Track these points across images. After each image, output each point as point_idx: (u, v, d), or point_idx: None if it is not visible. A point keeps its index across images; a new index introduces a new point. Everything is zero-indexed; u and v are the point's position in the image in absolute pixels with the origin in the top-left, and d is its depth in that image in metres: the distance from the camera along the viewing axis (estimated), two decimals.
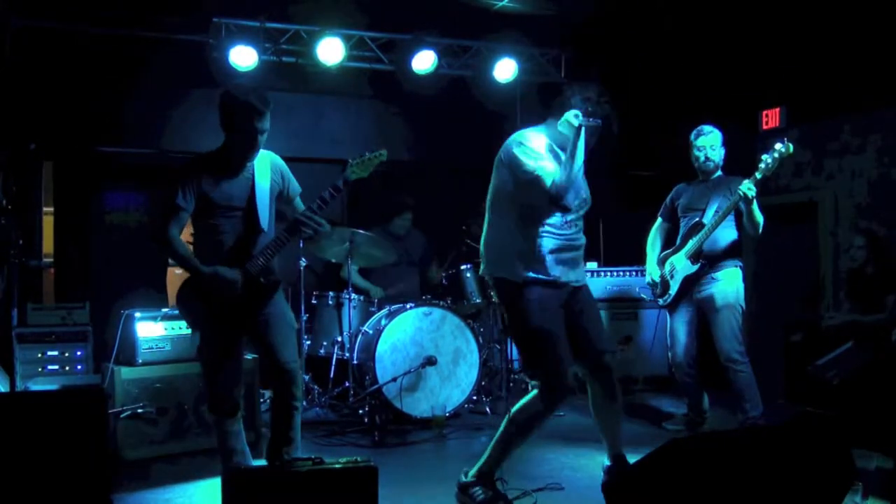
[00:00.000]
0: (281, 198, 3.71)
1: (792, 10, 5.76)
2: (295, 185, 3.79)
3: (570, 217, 3.49)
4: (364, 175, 3.66)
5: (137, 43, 5.98)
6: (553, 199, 3.34)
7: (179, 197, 3.44)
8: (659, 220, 5.12)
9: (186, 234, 3.60)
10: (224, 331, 3.52)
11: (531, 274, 3.42)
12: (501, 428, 3.56)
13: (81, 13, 5.71)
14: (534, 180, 3.34)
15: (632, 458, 2.42)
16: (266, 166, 3.64)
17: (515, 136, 3.52)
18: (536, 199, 3.39)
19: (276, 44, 6.21)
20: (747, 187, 4.39)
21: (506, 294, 3.52)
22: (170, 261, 6.73)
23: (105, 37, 5.91)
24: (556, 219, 3.46)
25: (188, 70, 6.25)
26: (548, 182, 3.32)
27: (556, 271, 3.44)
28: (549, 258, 3.44)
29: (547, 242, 3.44)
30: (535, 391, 3.53)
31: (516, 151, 3.43)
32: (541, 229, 3.44)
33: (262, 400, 4.91)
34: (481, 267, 3.64)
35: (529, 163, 3.37)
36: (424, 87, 6.67)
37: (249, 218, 3.54)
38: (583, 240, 3.59)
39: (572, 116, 3.41)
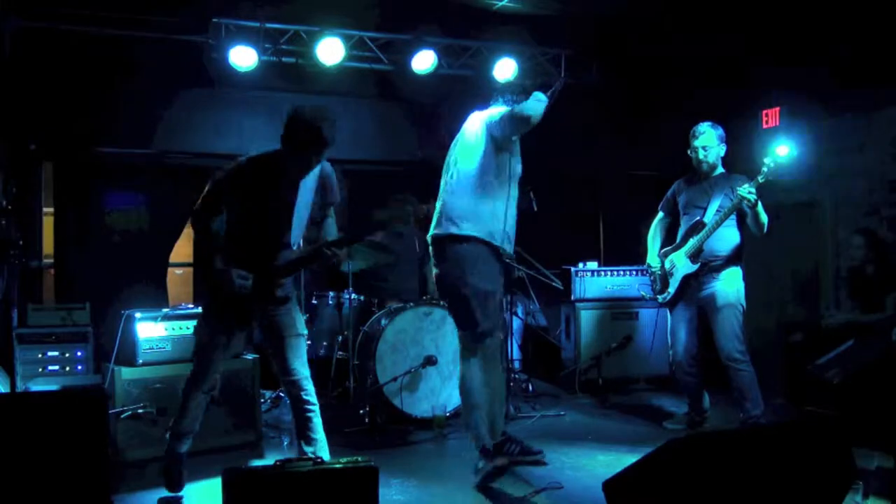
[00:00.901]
0: (316, 205, 3.71)
1: (792, 9, 5.76)
2: (335, 195, 3.78)
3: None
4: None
5: (137, 43, 5.98)
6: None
7: (225, 194, 3.51)
8: (660, 213, 5.13)
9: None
10: (225, 327, 3.61)
11: (495, 242, 3.85)
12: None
13: (81, 14, 5.71)
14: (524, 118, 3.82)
15: (632, 458, 2.42)
16: (313, 176, 3.63)
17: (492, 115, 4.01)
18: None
19: (275, 44, 6.21)
20: (748, 192, 4.40)
21: (472, 252, 3.86)
22: (170, 261, 6.76)
23: (105, 37, 5.91)
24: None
25: (188, 70, 6.25)
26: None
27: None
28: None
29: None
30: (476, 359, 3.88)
31: (497, 114, 3.94)
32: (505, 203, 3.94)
33: (262, 400, 4.91)
34: (444, 226, 3.93)
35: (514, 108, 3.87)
36: (424, 87, 6.67)
37: (281, 230, 3.56)
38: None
39: (541, 95, 3.94)
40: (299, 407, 3.67)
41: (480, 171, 3.93)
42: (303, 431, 3.69)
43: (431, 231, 4.01)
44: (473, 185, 3.92)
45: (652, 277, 5.07)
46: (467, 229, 3.86)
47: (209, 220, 3.52)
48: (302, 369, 3.66)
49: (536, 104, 3.86)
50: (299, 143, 3.45)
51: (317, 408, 3.71)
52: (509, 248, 3.96)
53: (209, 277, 3.52)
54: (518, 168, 4.06)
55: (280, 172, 3.53)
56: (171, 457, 3.77)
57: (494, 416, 3.91)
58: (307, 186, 3.60)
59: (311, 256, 3.59)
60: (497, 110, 4.00)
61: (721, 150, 4.85)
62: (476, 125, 4.05)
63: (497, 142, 3.94)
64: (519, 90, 4.05)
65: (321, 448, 3.67)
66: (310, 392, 3.67)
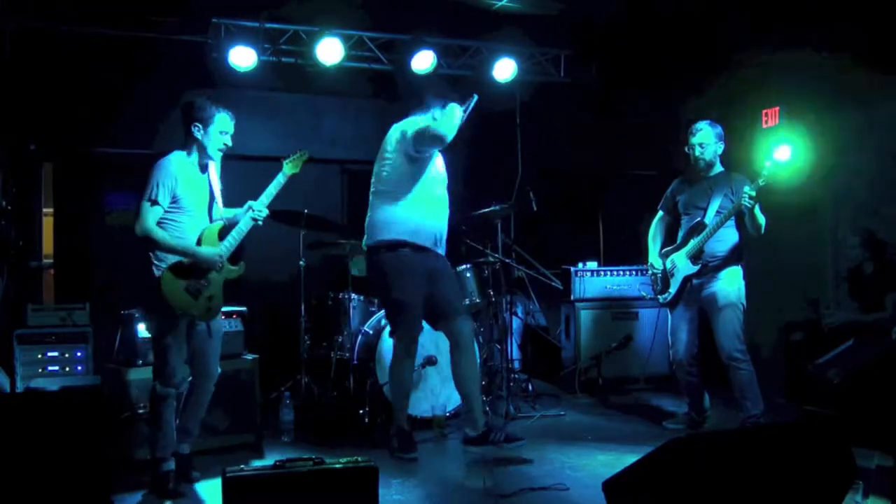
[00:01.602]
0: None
1: (791, 9, 5.76)
2: None
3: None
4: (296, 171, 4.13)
5: (137, 44, 5.98)
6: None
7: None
8: (660, 212, 5.14)
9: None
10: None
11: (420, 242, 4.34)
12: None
13: (81, 14, 5.71)
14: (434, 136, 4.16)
15: (632, 458, 2.42)
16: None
17: (398, 126, 4.38)
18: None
19: (275, 44, 6.21)
20: (748, 195, 4.40)
21: (384, 262, 4.41)
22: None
23: (105, 38, 5.91)
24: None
25: (188, 71, 6.24)
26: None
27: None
28: None
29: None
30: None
31: (410, 128, 4.27)
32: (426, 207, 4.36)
33: (261, 401, 4.90)
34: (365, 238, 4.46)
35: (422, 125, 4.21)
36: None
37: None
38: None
39: (455, 110, 4.25)
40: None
41: (397, 181, 4.33)
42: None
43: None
44: (393, 196, 4.33)
45: (653, 278, 5.07)
46: (380, 238, 4.37)
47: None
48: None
49: (451, 124, 4.18)
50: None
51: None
52: (440, 249, 4.40)
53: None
54: (438, 172, 4.37)
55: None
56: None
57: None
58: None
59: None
60: (412, 123, 4.32)
61: (719, 147, 4.85)
62: (392, 137, 4.38)
63: (411, 155, 4.28)
64: (438, 104, 4.34)
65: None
66: None
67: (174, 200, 3.82)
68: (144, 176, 3.88)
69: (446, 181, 4.55)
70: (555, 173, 7.19)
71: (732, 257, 4.77)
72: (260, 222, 4.00)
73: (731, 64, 6.30)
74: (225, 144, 3.98)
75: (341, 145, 6.70)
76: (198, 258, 3.83)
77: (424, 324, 5.20)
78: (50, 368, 5.07)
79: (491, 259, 5.58)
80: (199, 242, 3.88)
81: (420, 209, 4.35)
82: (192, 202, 3.88)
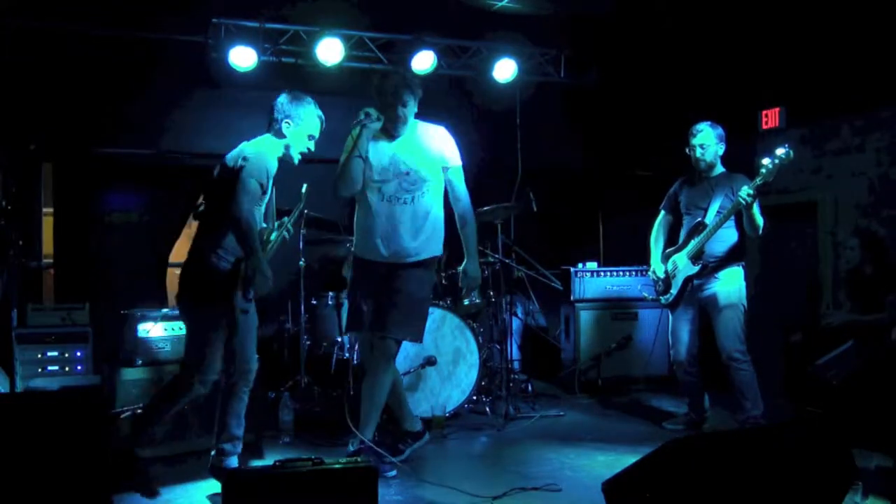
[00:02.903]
0: None
1: (792, 9, 5.76)
2: None
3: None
4: None
5: (137, 44, 5.98)
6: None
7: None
8: (662, 212, 5.14)
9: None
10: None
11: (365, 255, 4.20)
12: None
13: (81, 14, 5.71)
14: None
15: (632, 458, 2.42)
16: None
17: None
18: None
19: (275, 44, 6.21)
20: (746, 194, 4.40)
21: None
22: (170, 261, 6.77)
23: (105, 37, 5.91)
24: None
25: (188, 71, 6.24)
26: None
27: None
28: None
29: None
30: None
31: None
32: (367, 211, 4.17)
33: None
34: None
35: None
36: (424, 88, 6.66)
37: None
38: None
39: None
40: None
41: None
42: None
43: None
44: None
45: (654, 280, 5.07)
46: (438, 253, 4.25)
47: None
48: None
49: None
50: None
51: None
52: (384, 250, 4.08)
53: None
54: (372, 174, 4.12)
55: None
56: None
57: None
58: None
59: None
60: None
61: (720, 148, 4.85)
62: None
63: None
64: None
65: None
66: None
67: (263, 193, 3.66)
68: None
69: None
70: (555, 173, 7.19)
71: (733, 258, 4.77)
72: (288, 238, 3.96)
73: (731, 63, 6.30)
74: (308, 150, 3.89)
75: (342, 145, 6.69)
76: (262, 268, 3.61)
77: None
78: (50, 368, 5.07)
79: (491, 259, 5.58)
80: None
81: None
82: (266, 201, 3.74)
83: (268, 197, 3.76)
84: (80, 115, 6.10)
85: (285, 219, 3.96)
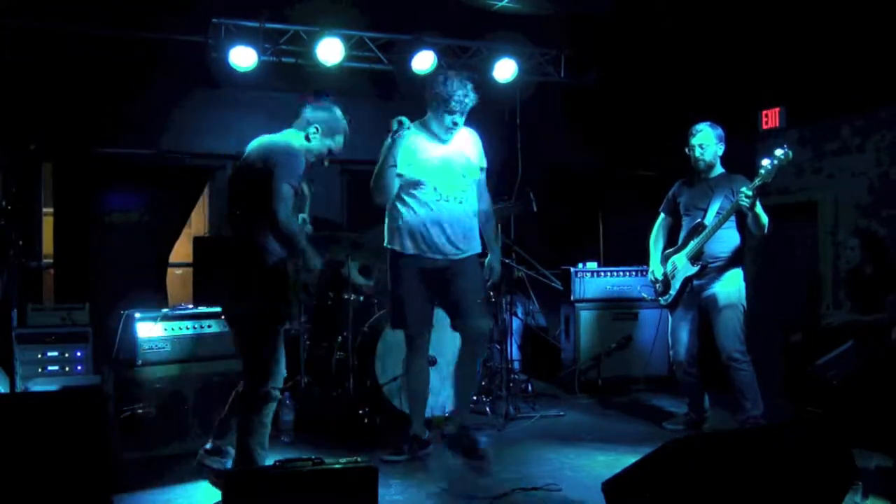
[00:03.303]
0: None
1: (792, 9, 5.76)
2: None
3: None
4: None
5: (137, 44, 5.98)
6: None
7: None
8: (661, 215, 5.14)
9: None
10: None
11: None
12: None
13: (81, 14, 5.71)
14: None
15: (632, 458, 2.42)
16: None
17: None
18: None
19: (275, 44, 6.21)
20: (745, 196, 4.40)
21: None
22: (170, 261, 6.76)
23: (105, 37, 5.91)
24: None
25: (188, 71, 6.25)
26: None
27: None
28: None
29: None
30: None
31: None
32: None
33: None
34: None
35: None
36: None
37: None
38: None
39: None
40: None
41: None
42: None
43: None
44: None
45: (654, 281, 5.07)
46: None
47: None
48: None
49: None
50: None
51: None
52: (441, 249, 4.30)
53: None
54: (423, 175, 4.28)
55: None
56: None
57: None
58: None
59: None
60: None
61: (719, 149, 4.85)
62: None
63: None
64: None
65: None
66: None
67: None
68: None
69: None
70: (554, 173, 7.19)
71: (732, 258, 4.77)
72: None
73: (731, 63, 6.30)
74: (324, 162, 3.84)
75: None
76: (309, 259, 3.57)
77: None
78: (50, 368, 5.07)
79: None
80: None
81: None
82: (300, 196, 3.67)
83: (304, 195, 3.72)
84: (80, 115, 6.10)
85: (302, 216, 3.87)
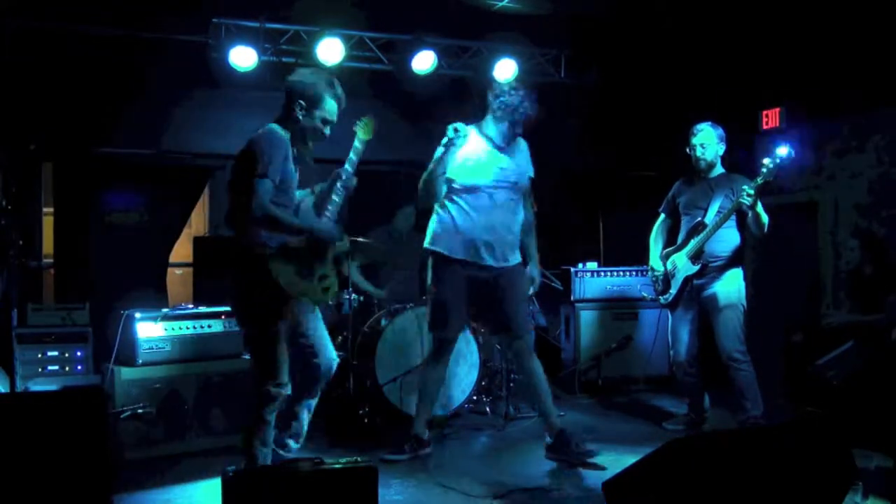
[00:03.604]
0: None
1: (792, 10, 5.76)
2: None
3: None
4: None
5: (137, 43, 5.98)
6: None
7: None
8: (661, 215, 5.14)
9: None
10: None
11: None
12: None
13: (81, 14, 5.71)
14: None
15: (632, 458, 2.42)
16: None
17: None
18: None
19: (275, 44, 6.21)
20: (747, 195, 4.40)
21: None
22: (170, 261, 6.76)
23: (105, 37, 5.91)
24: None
25: (188, 71, 6.24)
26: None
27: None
28: None
29: None
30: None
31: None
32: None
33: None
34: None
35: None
36: (424, 88, 6.67)
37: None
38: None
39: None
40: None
41: None
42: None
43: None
44: None
45: (654, 280, 5.07)
46: None
47: None
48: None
49: None
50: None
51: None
52: (491, 254, 4.31)
53: None
54: (480, 180, 4.28)
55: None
56: None
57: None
58: None
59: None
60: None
61: (720, 149, 4.85)
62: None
63: None
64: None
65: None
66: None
67: (282, 181, 3.53)
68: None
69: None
70: (555, 173, 7.19)
71: (733, 258, 4.77)
72: (351, 191, 3.81)
73: (731, 63, 6.31)
74: (322, 134, 3.70)
75: (341, 145, 6.67)
76: (320, 234, 3.57)
77: (425, 324, 5.21)
78: (50, 368, 5.07)
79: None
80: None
81: None
82: (290, 181, 3.63)
83: (287, 177, 3.59)
84: (80, 114, 6.10)
85: (338, 170, 3.78)
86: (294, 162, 3.65)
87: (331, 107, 3.67)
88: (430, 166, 4.20)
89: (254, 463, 3.51)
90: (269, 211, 3.42)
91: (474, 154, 4.23)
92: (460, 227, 4.23)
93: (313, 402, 3.92)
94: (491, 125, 4.27)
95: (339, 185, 3.75)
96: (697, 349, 4.93)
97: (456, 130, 4.06)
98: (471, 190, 4.22)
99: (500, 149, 4.27)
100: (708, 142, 4.80)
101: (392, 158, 7.21)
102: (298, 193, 3.77)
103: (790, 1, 5.77)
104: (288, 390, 3.61)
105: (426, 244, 4.36)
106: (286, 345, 3.59)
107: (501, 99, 4.18)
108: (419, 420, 4.47)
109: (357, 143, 3.83)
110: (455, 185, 4.23)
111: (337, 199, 3.74)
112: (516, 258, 4.36)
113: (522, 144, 4.41)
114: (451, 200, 4.27)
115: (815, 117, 6.09)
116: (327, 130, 3.70)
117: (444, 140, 4.09)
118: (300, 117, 3.63)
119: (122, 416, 4.21)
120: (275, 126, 3.64)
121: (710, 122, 4.85)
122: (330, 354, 3.86)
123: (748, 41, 6.14)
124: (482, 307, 4.39)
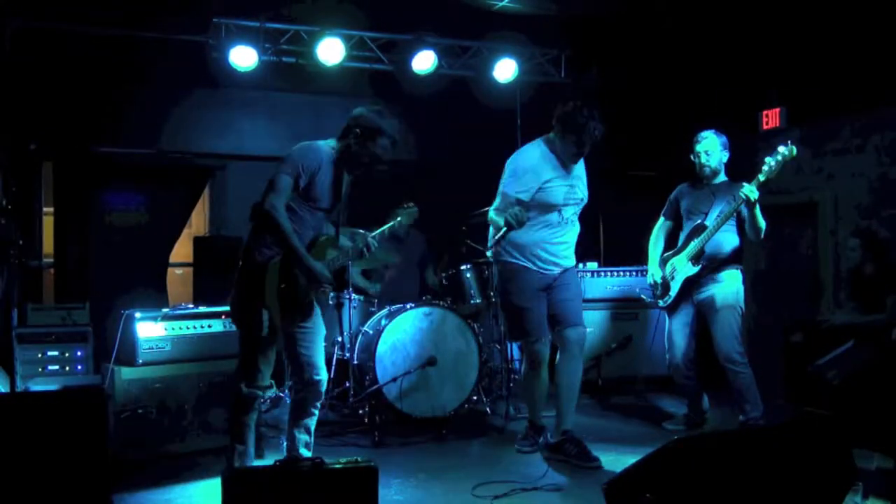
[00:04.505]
0: None
1: (792, 10, 5.76)
2: None
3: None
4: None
5: (137, 43, 5.98)
6: None
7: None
8: (661, 219, 5.13)
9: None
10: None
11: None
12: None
13: (81, 14, 5.71)
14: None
15: (632, 458, 2.42)
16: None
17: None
18: None
19: (275, 44, 6.21)
20: (750, 190, 4.40)
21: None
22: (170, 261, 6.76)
23: (105, 37, 5.91)
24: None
25: (188, 70, 6.25)
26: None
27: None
28: None
29: None
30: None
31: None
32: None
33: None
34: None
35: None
36: (424, 87, 6.67)
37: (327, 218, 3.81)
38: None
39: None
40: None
41: None
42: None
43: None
44: None
45: (653, 283, 5.06)
46: None
47: None
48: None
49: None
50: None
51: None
52: (559, 261, 4.54)
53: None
54: (557, 198, 4.45)
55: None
56: None
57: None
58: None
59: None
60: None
61: (724, 156, 4.85)
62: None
63: None
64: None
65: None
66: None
67: (309, 189, 3.62)
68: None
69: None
70: None
71: (732, 260, 4.77)
72: (367, 255, 3.93)
73: (732, 64, 6.31)
74: (365, 167, 3.86)
75: None
76: (309, 267, 3.61)
77: (425, 324, 5.21)
78: (50, 368, 5.07)
79: (491, 259, 5.57)
80: (310, 247, 3.69)
81: None
82: (318, 193, 3.67)
83: (321, 195, 3.70)
84: (79, 114, 6.10)
85: (362, 231, 3.92)
86: (331, 184, 3.75)
87: (383, 144, 3.81)
88: (493, 230, 4.39)
89: (231, 461, 3.67)
90: (275, 210, 3.52)
91: (549, 175, 4.36)
92: (534, 241, 4.39)
93: (311, 422, 3.84)
94: (558, 141, 4.39)
95: (359, 247, 3.88)
96: (694, 352, 4.93)
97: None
98: (544, 208, 4.38)
99: (567, 168, 4.43)
100: (712, 149, 4.81)
101: (391, 158, 7.21)
102: (341, 240, 3.89)
103: (790, 1, 5.77)
104: (262, 394, 3.76)
105: (503, 257, 4.48)
106: (272, 352, 3.74)
107: (572, 118, 4.30)
108: (533, 414, 4.62)
109: (395, 224, 4.12)
110: (531, 203, 4.34)
111: (344, 260, 3.91)
112: (573, 261, 4.61)
113: (582, 162, 4.57)
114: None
115: (815, 117, 6.09)
116: (372, 167, 3.85)
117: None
118: (352, 143, 3.77)
119: (122, 416, 4.20)
120: (321, 141, 3.79)
121: (713, 130, 4.85)
122: (317, 374, 3.78)
123: (748, 41, 6.14)
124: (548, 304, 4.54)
